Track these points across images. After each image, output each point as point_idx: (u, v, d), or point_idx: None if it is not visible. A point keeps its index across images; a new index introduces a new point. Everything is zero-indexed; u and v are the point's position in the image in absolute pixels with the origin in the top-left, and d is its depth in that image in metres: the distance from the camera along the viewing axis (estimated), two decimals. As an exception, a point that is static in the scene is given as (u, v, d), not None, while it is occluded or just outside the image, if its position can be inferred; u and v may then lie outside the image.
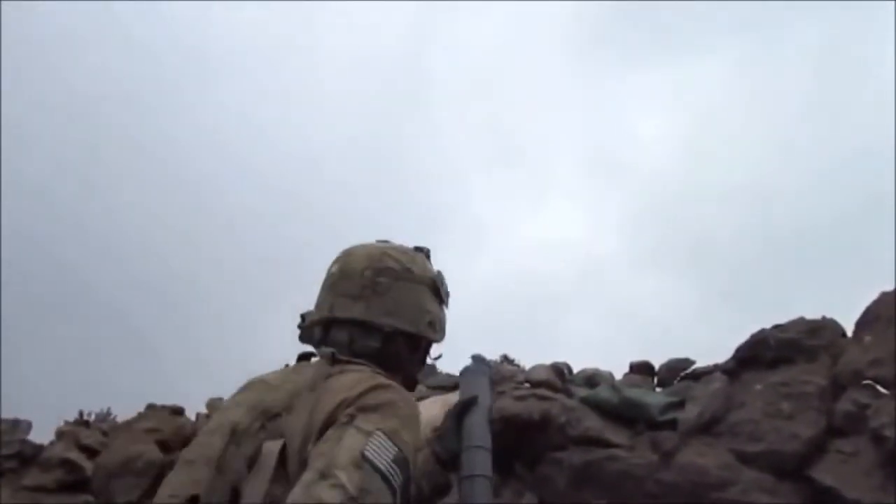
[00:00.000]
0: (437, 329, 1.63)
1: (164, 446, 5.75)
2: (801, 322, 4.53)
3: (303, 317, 1.66)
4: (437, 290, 1.64)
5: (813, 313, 4.54)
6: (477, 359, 1.80)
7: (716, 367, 4.72)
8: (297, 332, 1.65)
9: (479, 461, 1.51)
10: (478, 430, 1.56)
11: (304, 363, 1.59)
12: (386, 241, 1.69)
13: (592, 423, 4.78)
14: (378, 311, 1.53)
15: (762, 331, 4.58)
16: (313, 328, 1.63)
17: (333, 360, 1.48)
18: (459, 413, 1.61)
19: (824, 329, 4.47)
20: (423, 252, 1.74)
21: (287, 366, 1.62)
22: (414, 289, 1.58)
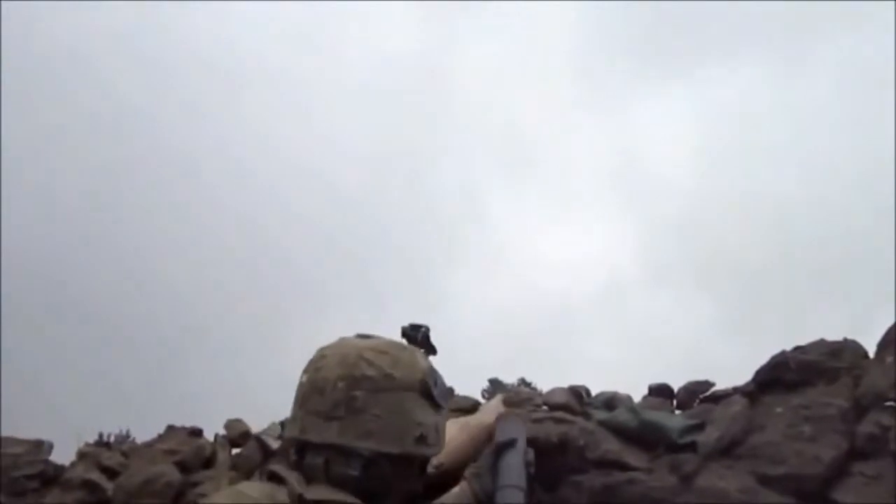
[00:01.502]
0: (430, 442, 1.42)
1: (184, 467, 5.77)
2: (821, 344, 4.50)
3: (282, 424, 1.54)
4: (428, 392, 1.43)
5: (833, 327, 4.54)
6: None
7: (735, 390, 4.69)
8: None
9: (512, 500, 1.58)
10: (513, 470, 1.65)
11: (281, 486, 1.40)
12: (367, 336, 1.47)
13: (611, 446, 4.75)
14: (355, 434, 1.34)
15: (782, 353, 4.56)
16: (288, 448, 1.47)
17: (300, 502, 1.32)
18: (497, 453, 1.65)
19: (845, 350, 4.44)
20: (420, 334, 1.59)
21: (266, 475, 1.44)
22: (398, 400, 1.38)
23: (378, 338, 1.50)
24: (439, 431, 1.44)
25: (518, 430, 1.76)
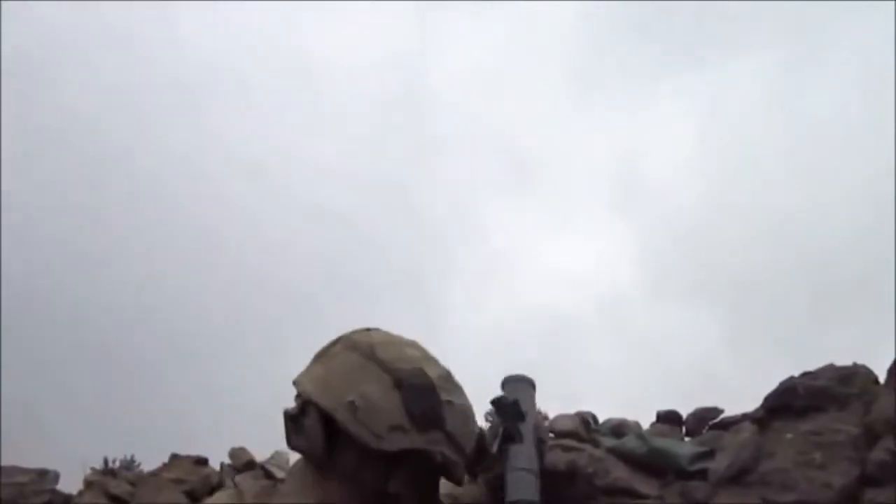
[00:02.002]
0: (362, 420, 1.14)
1: (192, 496, 5.77)
2: (831, 369, 4.49)
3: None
4: (405, 385, 1.18)
5: (842, 347, 4.51)
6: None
7: (745, 416, 4.67)
8: None
9: (525, 484, 1.39)
10: (524, 451, 1.40)
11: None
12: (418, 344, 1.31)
13: (621, 474, 4.74)
14: (308, 376, 1.22)
15: (791, 378, 4.54)
16: None
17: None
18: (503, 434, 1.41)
19: (856, 376, 4.42)
20: (505, 403, 1.37)
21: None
22: (359, 364, 1.20)
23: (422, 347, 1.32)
24: (384, 423, 1.15)
25: (526, 400, 1.43)
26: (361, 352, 1.22)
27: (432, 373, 1.23)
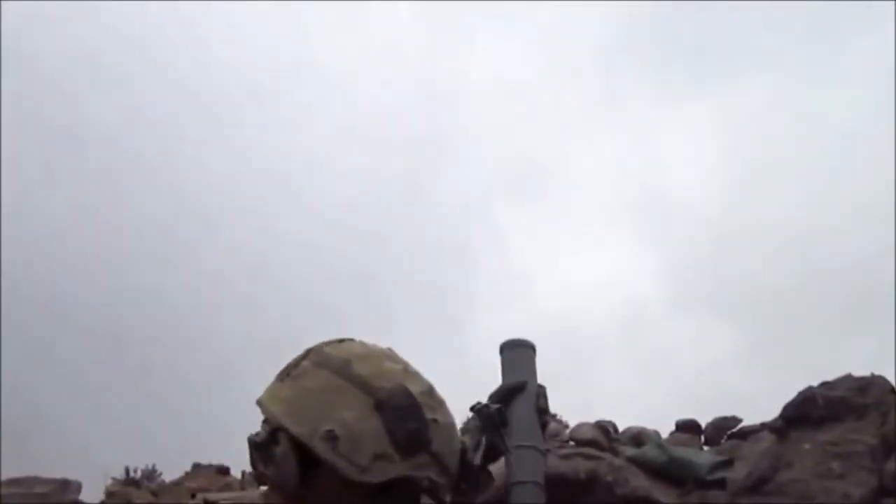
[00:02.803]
0: (341, 450, 1.06)
1: (212, 506, 5.82)
2: (849, 379, 4.54)
3: None
4: (383, 406, 1.08)
5: (861, 355, 4.56)
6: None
7: (763, 426, 4.73)
8: None
9: (529, 463, 1.24)
10: (526, 425, 1.26)
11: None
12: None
13: (640, 483, 4.78)
14: (276, 397, 1.11)
15: (809, 388, 4.59)
16: None
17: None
18: (502, 402, 1.27)
19: (873, 386, 4.47)
20: (483, 409, 1.25)
21: None
22: (337, 387, 1.10)
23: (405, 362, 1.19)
24: (368, 452, 1.05)
25: (527, 367, 1.33)
26: (335, 368, 1.12)
27: (415, 389, 1.13)
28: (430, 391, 1.11)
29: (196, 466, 6.23)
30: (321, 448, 1.05)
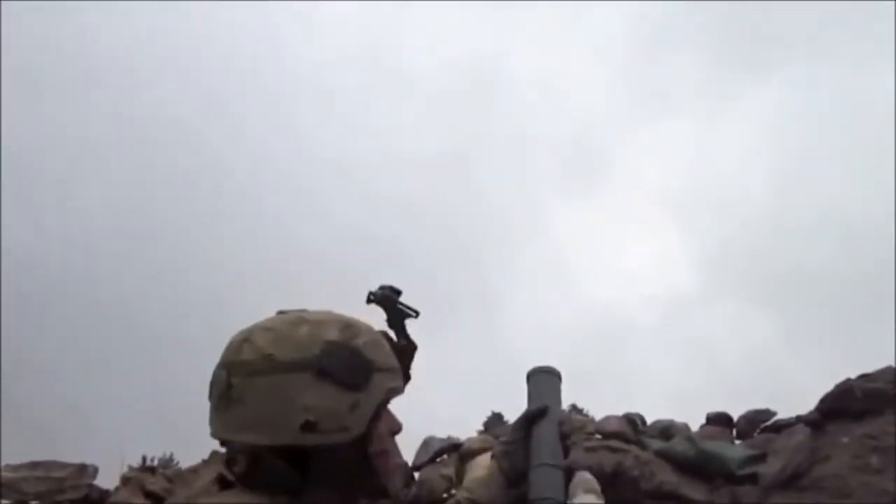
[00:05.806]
0: (324, 429, 1.13)
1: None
2: (888, 371, 4.37)
3: None
4: (327, 371, 1.15)
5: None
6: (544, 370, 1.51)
7: (798, 419, 4.55)
8: None
9: (549, 481, 1.30)
10: (548, 445, 1.34)
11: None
12: (293, 311, 1.26)
13: (667, 477, 4.63)
14: (235, 426, 1.14)
15: (847, 380, 4.42)
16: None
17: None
18: (527, 425, 1.37)
19: (913, 379, 4.30)
20: (377, 294, 1.44)
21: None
22: (276, 383, 1.13)
23: (299, 311, 1.26)
24: (343, 414, 1.14)
25: (552, 393, 1.43)
26: (262, 370, 1.15)
27: (331, 335, 1.18)
28: (342, 326, 1.19)
29: (214, 453, 6.15)
30: (311, 439, 1.12)
